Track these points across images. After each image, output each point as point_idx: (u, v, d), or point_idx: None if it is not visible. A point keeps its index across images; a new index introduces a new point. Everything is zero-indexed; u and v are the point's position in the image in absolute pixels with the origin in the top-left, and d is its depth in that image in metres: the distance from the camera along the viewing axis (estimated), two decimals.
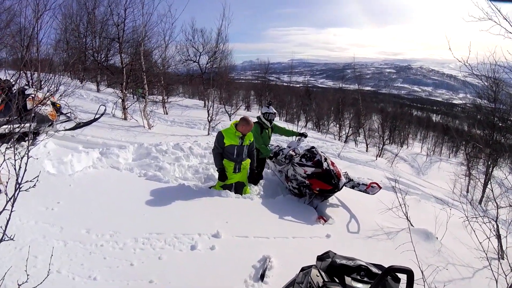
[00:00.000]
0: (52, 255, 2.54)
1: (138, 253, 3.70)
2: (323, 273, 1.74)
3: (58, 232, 3.85)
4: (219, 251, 3.94)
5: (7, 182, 1.97)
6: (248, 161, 5.86)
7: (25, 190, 1.82)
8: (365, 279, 1.74)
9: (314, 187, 5.76)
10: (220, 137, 5.60)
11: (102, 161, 6.34)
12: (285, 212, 5.33)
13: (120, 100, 11.10)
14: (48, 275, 2.26)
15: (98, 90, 18.33)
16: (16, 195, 1.79)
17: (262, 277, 3.53)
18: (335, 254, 2.05)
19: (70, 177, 5.41)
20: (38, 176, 2.14)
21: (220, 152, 5.63)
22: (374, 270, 1.80)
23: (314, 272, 1.76)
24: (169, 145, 7.56)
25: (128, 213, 4.55)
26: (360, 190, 6.16)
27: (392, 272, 1.43)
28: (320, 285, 1.62)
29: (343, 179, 5.91)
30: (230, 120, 16.62)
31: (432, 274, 3.38)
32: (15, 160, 2.01)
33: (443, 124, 54.96)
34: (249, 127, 5.58)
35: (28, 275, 1.92)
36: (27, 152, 1.96)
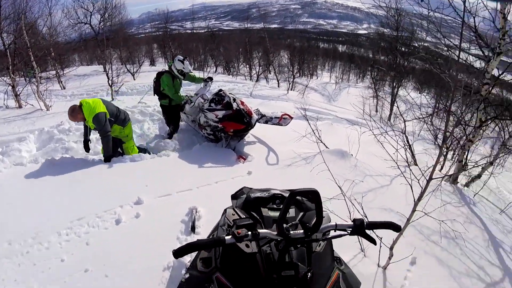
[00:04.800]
0: None
1: (65, 246, 3.52)
2: (237, 210, 1.76)
3: None
4: (144, 216, 3.90)
5: None
6: None
7: None
8: (281, 206, 1.76)
9: (228, 129, 5.86)
10: None
11: (4, 161, 5.63)
12: (204, 160, 5.39)
13: (10, 87, 9.89)
14: None
15: None
16: None
17: (192, 228, 3.59)
18: (250, 189, 2.07)
19: None
20: None
21: None
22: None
23: (229, 211, 1.77)
24: (71, 122, 7.03)
25: (45, 207, 4.23)
26: (273, 124, 6.31)
27: (295, 196, 1.49)
28: (231, 224, 1.66)
29: (255, 116, 6.02)
30: (134, 80, 15.81)
31: (350, 188, 3.65)
32: None
33: (349, 53, 57.46)
34: (73, 118, 5.35)
35: None
36: None
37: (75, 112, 5.20)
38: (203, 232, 3.48)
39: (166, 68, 6.84)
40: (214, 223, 2.20)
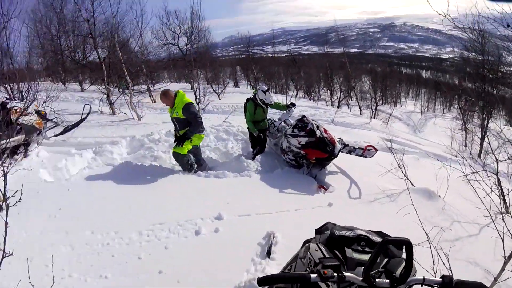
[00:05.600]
0: (61, 261, 2.54)
1: (144, 245, 3.74)
2: (322, 247, 1.70)
3: (64, 238, 3.86)
4: (223, 232, 3.98)
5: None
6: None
7: (13, 206, 1.80)
8: (366, 249, 1.70)
9: (311, 157, 5.78)
10: None
11: (97, 160, 6.31)
12: (285, 185, 5.34)
13: (105, 96, 10.92)
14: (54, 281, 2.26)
15: (82, 90, 17.98)
16: (6, 211, 1.77)
17: (268, 253, 3.55)
18: (334, 225, 2.01)
19: (67, 182, 5.41)
20: (21, 193, 2.09)
21: None
22: (375, 239, 1.76)
23: (313, 246, 1.72)
24: (161, 133, 7.55)
25: (130, 207, 4.56)
26: (357, 155, 6.13)
27: (387, 245, 1.41)
28: (317, 262, 1.60)
29: (338, 145, 5.90)
30: (220, 99, 16.45)
31: (437, 235, 3.35)
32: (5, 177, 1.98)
33: (434, 79, 54.79)
34: (165, 99, 5.78)
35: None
36: (3, 169, 1.93)
37: (168, 95, 5.73)
38: (278, 258, 3.43)
39: (252, 92, 7.02)
40: (290, 251, 2.14)
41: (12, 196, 1.85)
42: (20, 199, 1.83)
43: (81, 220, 4.22)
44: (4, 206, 4.16)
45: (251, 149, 7.20)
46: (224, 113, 12.08)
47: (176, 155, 5.73)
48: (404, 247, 1.39)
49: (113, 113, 10.57)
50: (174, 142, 5.80)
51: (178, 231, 3.99)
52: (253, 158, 6.62)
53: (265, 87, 6.80)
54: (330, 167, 6.15)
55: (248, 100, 6.90)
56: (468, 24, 8.02)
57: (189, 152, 5.82)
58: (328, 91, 28.44)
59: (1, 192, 4.15)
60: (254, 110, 6.75)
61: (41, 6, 19.64)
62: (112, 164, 6.21)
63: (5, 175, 1.88)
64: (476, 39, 13.68)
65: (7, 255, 1.76)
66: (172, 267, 3.34)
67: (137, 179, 5.43)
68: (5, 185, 1.77)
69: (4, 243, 1.75)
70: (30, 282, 1.94)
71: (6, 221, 1.75)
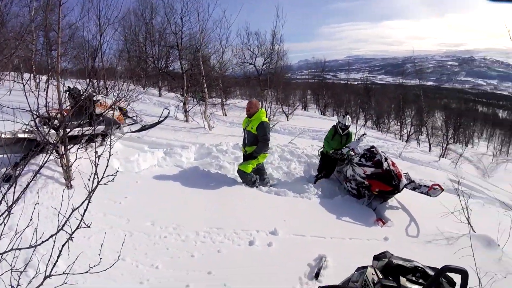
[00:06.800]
0: (117, 244, 2.79)
1: (199, 245, 3.95)
2: (378, 272, 1.76)
3: (125, 224, 4.19)
4: (276, 248, 4.08)
5: (86, 178, 2.16)
6: (253, 148, 6.00)
7: (104, 184, 2.03)
8: (420, 280, 1.73)
9: (374, 188, 5.70)
10: None
11: (166, 160, 6.76)
12: (343, 212, 5.33)
13: (182, 104, 11.65)
14: (117, 260, 2.52)
15: (160, 95, 19.17)
16: (94, 187, 2.00)
17: (316, 275, 3.60)
18: (392, 254, 2.05)
19: (136, 175, 5.82)
20: (116, 172, 2.34)
21: None
22: (430, 272, 1.78)
23: (370, 270, 1.78)
24: (229, 145, 7.85)
25: (191, 208, 4.83)
26: (421, 192, 5.94)
27: (447, 271, 1.44)
28: (375, 282, 1.65)
29: (404, 180, 5.78)
30: (288, 121, 16.67)
31: (489, 282, 3.25)
32: (89, 157, 2.23)
33: (510, 120, 50.83)
34: (251, 107, 5.97)
35: (101, 258, 2.13)
36: (109, 150, 2.18)
37: (255, 105, 6.02)
38: (326, 282, 3.44)
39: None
40: (340, 276, 2.19)
41: (108, 176, 2.08)
42: (113, 179, 2.06)
43: (143, 211, 4.52)
44: (73, 185, 4.64)
45: (312, 173, 7.23)
46: (291, 134, 12.26)
47: (241, 173, 5.90)
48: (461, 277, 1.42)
49: (187, 121, 11.20)
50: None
51: (233, 238, 4.15)
52: (315, 182, 6.66)
53: (346, 112, 7.02)
54: (392, 201, 6.02)
55: (333, 126, 7.07)
56: None
57: (254, 168, 5.98)
58: (399, 124, 27.64)
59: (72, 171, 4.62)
60: (333, 135, 6.90)
61: (132, 15, 21.50)
62: (180, 166, 6.59)
63: (105, 152, 2.13)
64: None
65: (84, 226, 1.98)
66: (221, 270, 3.50)
67: (202, 183, 5.68)
68: (98, 165, 2.00)
69: (82, 216, 1.96)
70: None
71: (89, 197, 1.97)
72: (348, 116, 6.90)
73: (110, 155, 2.23)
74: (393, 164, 5.90)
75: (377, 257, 2.09)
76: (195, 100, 15.00)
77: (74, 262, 2.08)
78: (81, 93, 6.38)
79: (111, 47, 21.88)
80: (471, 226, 5.03)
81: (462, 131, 35.03)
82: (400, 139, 21.93)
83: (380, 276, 1.72)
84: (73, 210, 1.96)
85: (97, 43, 12.03)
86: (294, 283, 3.45)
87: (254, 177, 5.99)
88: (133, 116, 8.58)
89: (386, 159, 5.88)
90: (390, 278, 1.73)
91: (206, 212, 4.74)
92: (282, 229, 4.41)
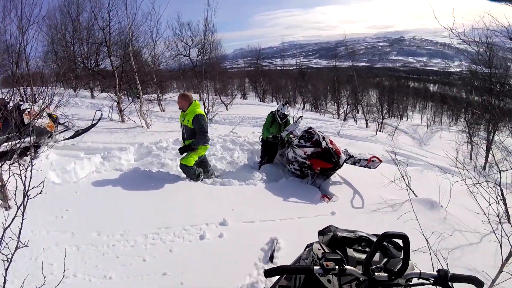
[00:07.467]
0: (66, 261, 2.62)
1: (149, 248, 3.81)
2: (324, 246, 1.78)
3: (70, 238, 3.94)
4: (227, 238, 4.06)
5: (15, 195, 2.01)
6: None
7: (33, 198, 1.88)
8: (367, 249, 1.76)
9: (315, 167, 5.84)
10: None
11: (105, 165, 6.40)
12: (289, 194, 5.42)
13: (116, 103, 11.13)
14: (64, 276, 2.34)
15: (92, 96, 18.34)
16: (25, 202, 1.85)
17: (271, 258, 3.64)
18: (337, 228, 2.08)
19: (75, 184, 5.49)
20: (43, 182, 2.18)
21: None
22: (375, 239, 1.83)
23: (316, 246, 1.79)
24: (169, 141, 7.66)
25: (136, 211, 4.64)
26: (361, 166, 6.21)
27: (387, 238, 1.48)
28: (320, 257, 1.67)
29: (343, 156, 5.98)
30: (227, 110, 16.64)
31: (437, 241, 3.43)
32: (20, 172, 2.07)
33: (440, 93, 54.46)
34: (182, 101, 5.83)
35: (45, 277, 1.98)
36: (30, 162, 2.02)
37: (187, 98, 5.80)
38: (281, 263, 3.48)
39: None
40: (293, 256, 2.21)
41: (34, 188, 1.92)
42: (41, 191, 1.91)
43: (87, 222, 4.29)
44: (11, 205, 4.31)
45: (256, 159, 7.33)
46: (231, 124, 12.29)
47: (183, 167, 5.79)
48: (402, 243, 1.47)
49: (122, 120, 10.77)
50: (179, 150, 5.91)
51: (183, 235, 4.07)
52: (259, 168, 6.74)
53: (286, 101, 7.05)
54: (334, 177, 6.23)
55: (270, 112, 7.14)
56: (476, 38, 8.05)
57: (196, 161, 5.90)
58: (335, 104, 28.56)
59: (8, 190, 4.29)
60: (271, 123, 6.96)
61: (57, 13, 20.19)
62: (119, 169, 6.30)
63: (29, 166, 1.96)
64: (484, 52, 13.70)
65: (21, 246, 1.84)
66: (176, 270, 3.41)
67: (144, 184, 5.52)
68: (26, 178, 1.85)
69: (20, 233, 1.82)
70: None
71: (23, 213, 1.83)
72: (287, 105, 7.05)
73: (32, 167, 2.03)
74: (331, 142, 6.09)
75: (321, 232, 2.11)
76: (130, 98, 14.49)
77: (22, 286, 1.91)
78: (6, 103, 5.93)
79: (36, 49, 20.40)
80: (413, 191, 5.30)
81: (396, 106, 36.75)
82: (338, 118, 22.65)
83: (326, 249, 1.74)
84: (4, 230, 1.80)
85: (19, 45, 11.12)
86: (250, 270, 3.45)
87: (197, 170, 5.90)
88: (65, 122, 8.09)
89: (324, 138, 6.04)
90: (337, 251, 1.76)
91: (153, 213, 4.60)
92: (231, 219, 4.40)
